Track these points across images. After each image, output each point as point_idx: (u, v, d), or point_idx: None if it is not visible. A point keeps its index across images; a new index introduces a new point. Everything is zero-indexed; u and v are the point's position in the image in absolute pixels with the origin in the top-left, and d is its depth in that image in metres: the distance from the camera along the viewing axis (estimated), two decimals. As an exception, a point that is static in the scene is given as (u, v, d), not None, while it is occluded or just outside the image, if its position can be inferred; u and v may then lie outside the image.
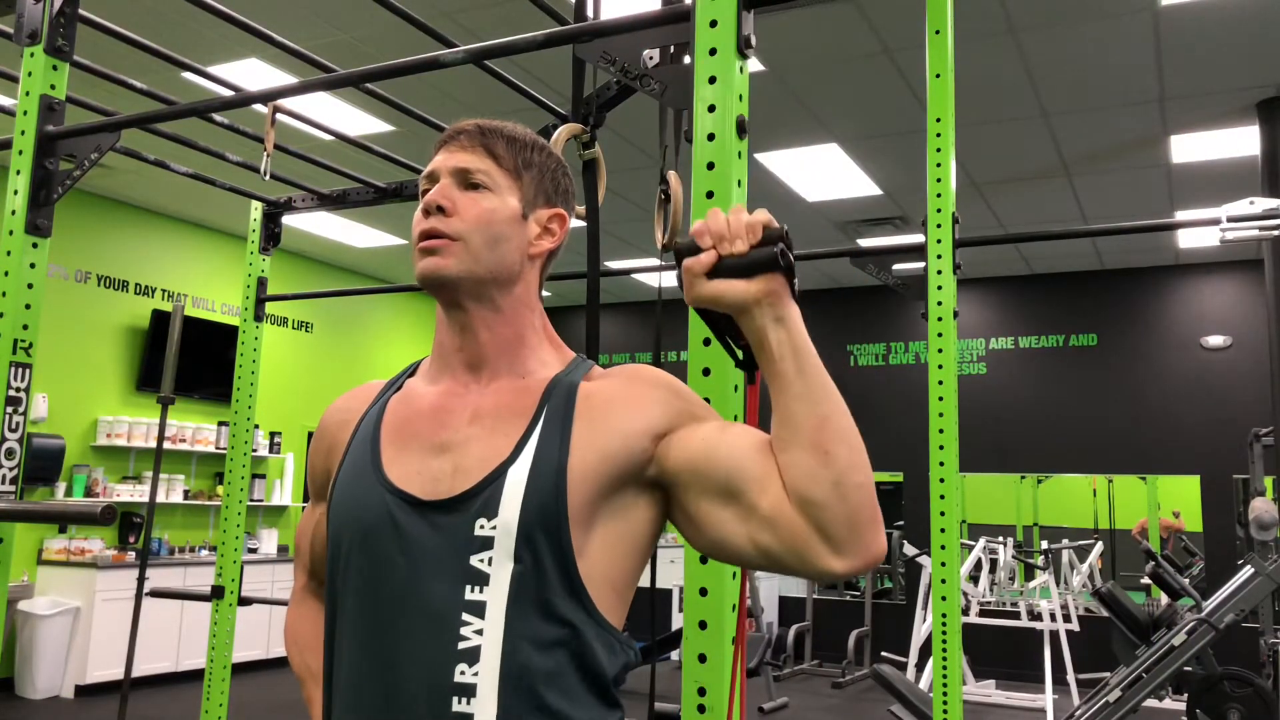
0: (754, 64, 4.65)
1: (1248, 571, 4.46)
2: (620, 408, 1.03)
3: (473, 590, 0.95)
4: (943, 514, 2.37)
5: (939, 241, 2.41)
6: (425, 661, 0.94)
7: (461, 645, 0.94)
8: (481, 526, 0.96)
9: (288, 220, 3.54)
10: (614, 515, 1.01)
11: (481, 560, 0.96)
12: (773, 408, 0.94)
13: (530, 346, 1.09)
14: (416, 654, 0.95)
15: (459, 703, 0.92)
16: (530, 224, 1.11)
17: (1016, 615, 7.29)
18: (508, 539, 0.95)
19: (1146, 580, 5.85)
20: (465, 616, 0.94)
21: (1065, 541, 8.48)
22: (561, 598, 0.96)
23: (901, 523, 8.71)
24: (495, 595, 0.95)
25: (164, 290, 7.45)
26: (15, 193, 2.01)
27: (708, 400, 1.25)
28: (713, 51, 1.32)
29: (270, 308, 4.69)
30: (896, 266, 2.74)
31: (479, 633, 0.94)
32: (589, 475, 0.98)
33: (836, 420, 0.92)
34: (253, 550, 7.72)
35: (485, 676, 0.93)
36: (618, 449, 1.00)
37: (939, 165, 2.43)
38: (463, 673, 0.93)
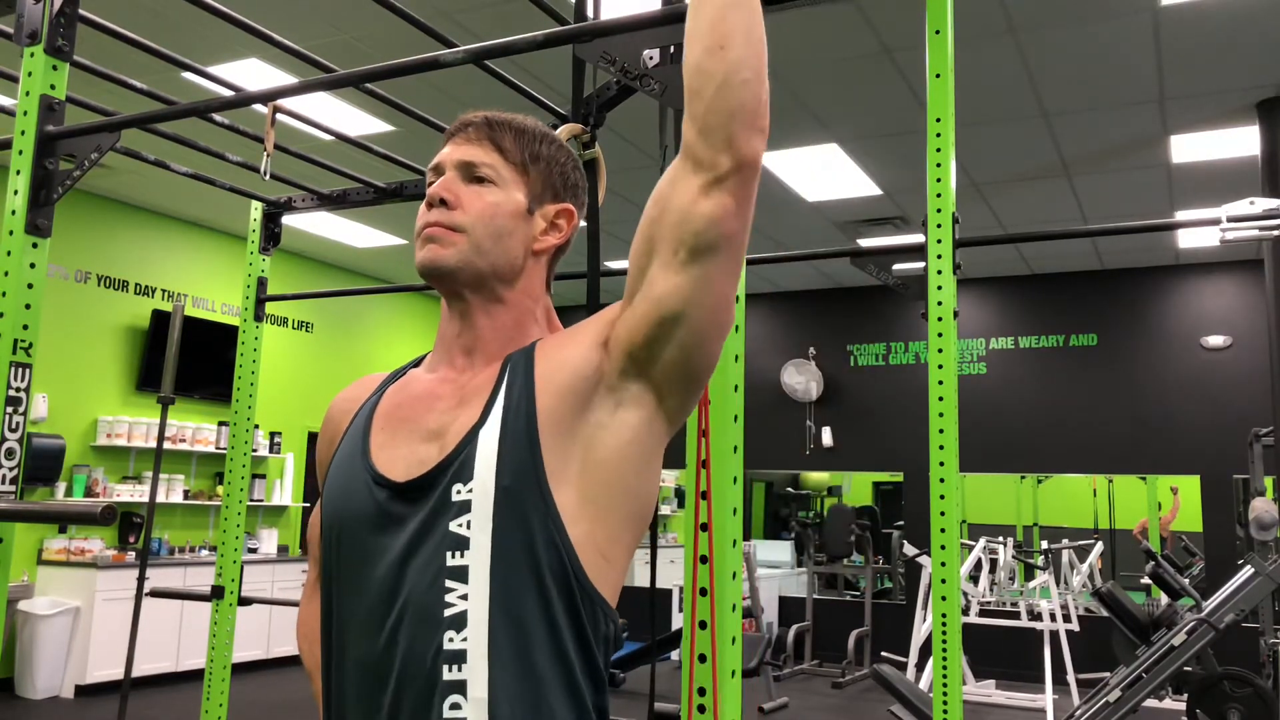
0: (754, 64, 4.64)
1: (1248, 571, 4.46)
2: (568, 343, 1.02)
3: (454, 556, 0.94)
4: (943, 514, 2.37)
5: (939, 241, 2.41)
6: (413, 634, 0.94)
7: (448, 612, 0.93)
8: (459, 492, 0.96)
9: (288, 220, 3.54)
10: (589, 452, 0.98)
11: (461, 525, 0.95)
12: (690, 6, 0.94)
13: (530, 335, 1.08)
14: (404, 629, 0.94)
15: (449, 670, 0.92)
16: (536, 219, 1.10)
17: (1016, 615, 7.29)
18: (485, 500, 0.95)
19: (1146, 580, 5.84)
20: (449, 583, 0.93)
21: (1065, 541, 8.48)
22: (544, 555, 0.94)
23: (901, 523, 8.71)
24: (477, 559, 0.94)
25: (164, 290, 7.45)
26: (15, 193, 2.01)
27: (706, 401, 1.25)
28: (713, 51, 1.31)
29: (270, 308, 4.69)
30: (896, 266, 2.74)
31: (464, 598, 0.93)
32: (555, 419, 0.97)
33: (740, 12, 0.91)
34: (253, 550, 7.71)
35: (474, 642, 0.92)
36: (569, 377, 0.99)
37: (939, 165, 2.42)
38: (451, 640, 0.92)
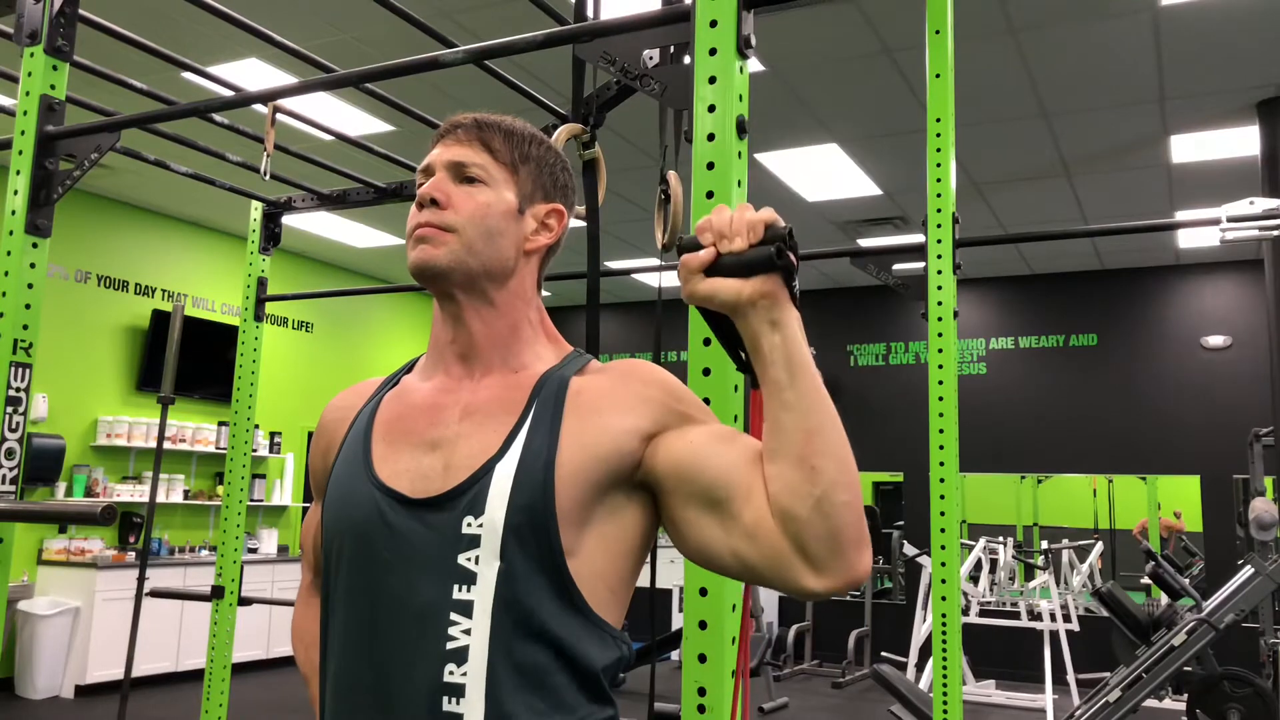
0: (754, 64, 4.66)
1: (1248, 571, 4.46)
2: (610, 406, 1.01)
3: (460, 589, 0.94)
4: (943, 514, 2.37)
5: (939, 241, 2.41)
6: (415, 661, 0.94)
7: (450, 645, 0.93)
8: (469, 525, 0.95)
9: (288, 220, 3.54)
10: (605, 516, 0.99)
11: (469, 559, 0.94)
12: (764, 416, 0.92)
13: (524, 340, 1.08)
14: (406, 654, 0.94)
15: (449, 702, 0.92)
16: (527, 219, 1.09)
17: (1016, 615, 7.29)
18: (494, 537, 0.94)
19: (1146, 580, 5.85)
20: (453, 616, 0.93)
21: (1065, 541, 8.48)
22: (550, 596, 0.95)
23: (901, 523, 8.71)
24: (482, 594, 0.93)
25: (164, 290, 7.45)
26: (15, 193, 2.01)
27: (707, 401, 1.25)
28: (713, 51, 1.32)
29: (270, 308, 4.69)
30: (896, 266, 2.74)
31: (467, 632, 0.93)
32: (578, 473, 0.97)
33: (826, 435, 0.89)
34: (253, 550, 7.71)
35: (473, 676, 0.92)
36: (607, 448, 0.98)
37: (939, 165, 2.42)
38: (451, 673, 0.92)
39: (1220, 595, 4.49)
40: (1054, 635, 6.61)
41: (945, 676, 2.32)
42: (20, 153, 2.02)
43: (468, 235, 1.05)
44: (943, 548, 2.36)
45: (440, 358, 1.08)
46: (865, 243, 7.55)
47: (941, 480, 2.36)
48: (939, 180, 2.42)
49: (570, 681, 0.95)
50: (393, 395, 1.10)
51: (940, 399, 2.39)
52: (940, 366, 2.39)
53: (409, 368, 1.14)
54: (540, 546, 0.95)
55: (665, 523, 1.00)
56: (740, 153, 1.31)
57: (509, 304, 1.08)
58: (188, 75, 3.68)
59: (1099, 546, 8.40)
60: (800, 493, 0.87)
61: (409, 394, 1.08)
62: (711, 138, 1.31)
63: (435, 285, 1.06)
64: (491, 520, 0.95)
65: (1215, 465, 7.52)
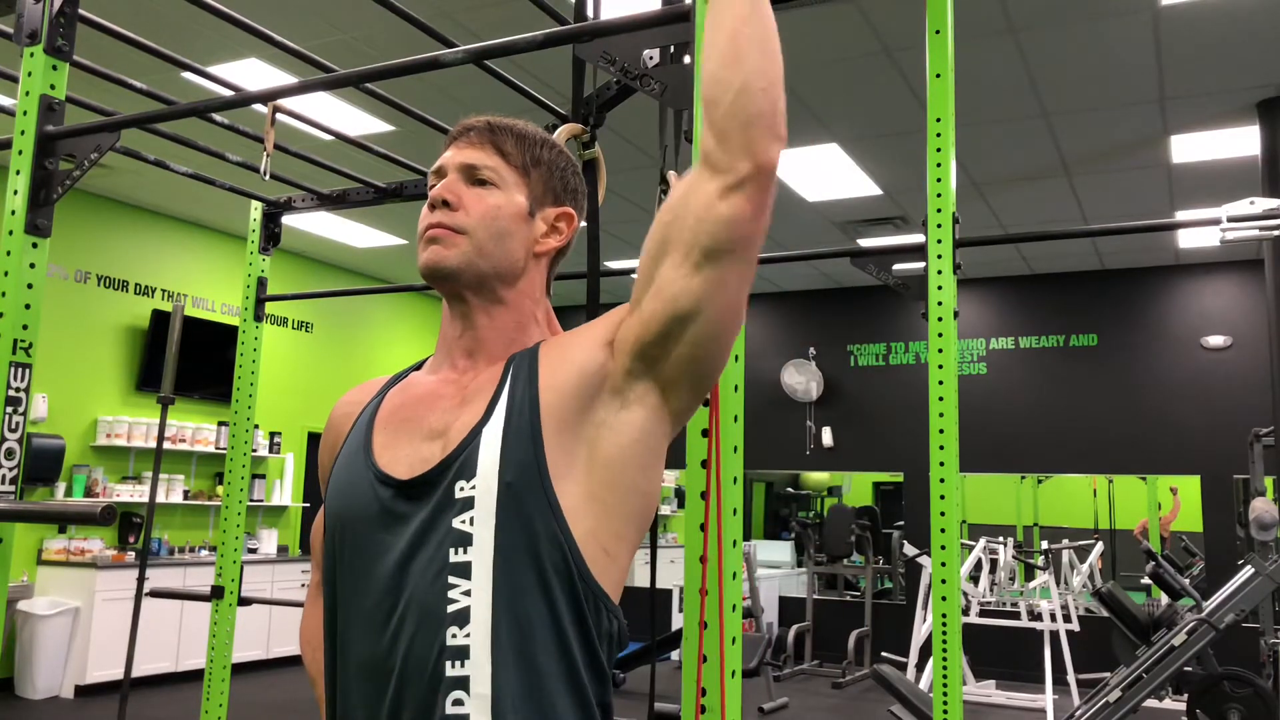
0: (754, 64, 4.64)
1: (1248, 571, 4.46)
2: (572, 343, 1.03)
3: (457, 552, 0.95)
4: (943, 514, 2.37)
5: (939, 241, 2.41)
6: (417, 630, 0.94)
7: (451, 608, 0.93)
8: (461, 489, 0.96)
9: (288, 220, 3.54)
10: (593, 450, 0.98)
11: (464, 521, 0.95)
12: (708, 22, 0.97)
13: (531, 337, 1.09)
14: (409, 624, 0.95)
15: (452, 666, 0.92)
16: (537, 222, 1.11)
17: (1016, 615, 7.29)
18: (488, 497, 0.95)
19: (1146, 580, 5.85)
20: (452, 579, 0.94)
21: (1065, 541, 8.48)
22: (546, 551, 0.95)
23: (901, 523, 8.71)
24: (480, 555, 0.94)
25: (164, 290, 7.45)
26: (15, 193, 2.01)
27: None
28: (713, 51, 1.31)
29: (270, 308, 4.69)
30: (896, 266, 2.73)
31: (467, 594, 0.94)
32: (558, 417, 0.98)
33: (755, 25, 0.93)
34: (252, 550, 7.71)
35: (477, 637, 0.93)
36: (575, 378, 1.00)
37: (939, 165, 2.42)
38: (454, 636, 0.93)
39: (1220, 595, 4.49)
40: (1054, 635, 6.61)
41: (945, 676, 2.32)
42: (20, 153, 2.02)
43: (478, 237, 1.06)
44: (943, 548, 2.36)
45: (448, 353, 1.10)
46: (865, 243, 7.54)
47: (941, 480, 2.36)
48: (939, 180, 2.41)
49: (573, 641, 0.95)
50: (398, 389, 1.12)
51: (940, 399, 2.38)
52: (940, 366, 2.39)
53: (418, 365, 1.16)
54: (534, 500, 0.95)
55: (671, 345, 0.97)
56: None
57: (518, 304, 1.09)
58: (188, 75, 3.68)
59: (1099, 547, 8.40)
60: (724, 81, 0.93)
61: (413, 386, 1.11)
62: (711, 138, 1.30)
63: (445, 286, 1.08)
64: (485, 480, 0.96)
65: (1215, 465, 7.52)
